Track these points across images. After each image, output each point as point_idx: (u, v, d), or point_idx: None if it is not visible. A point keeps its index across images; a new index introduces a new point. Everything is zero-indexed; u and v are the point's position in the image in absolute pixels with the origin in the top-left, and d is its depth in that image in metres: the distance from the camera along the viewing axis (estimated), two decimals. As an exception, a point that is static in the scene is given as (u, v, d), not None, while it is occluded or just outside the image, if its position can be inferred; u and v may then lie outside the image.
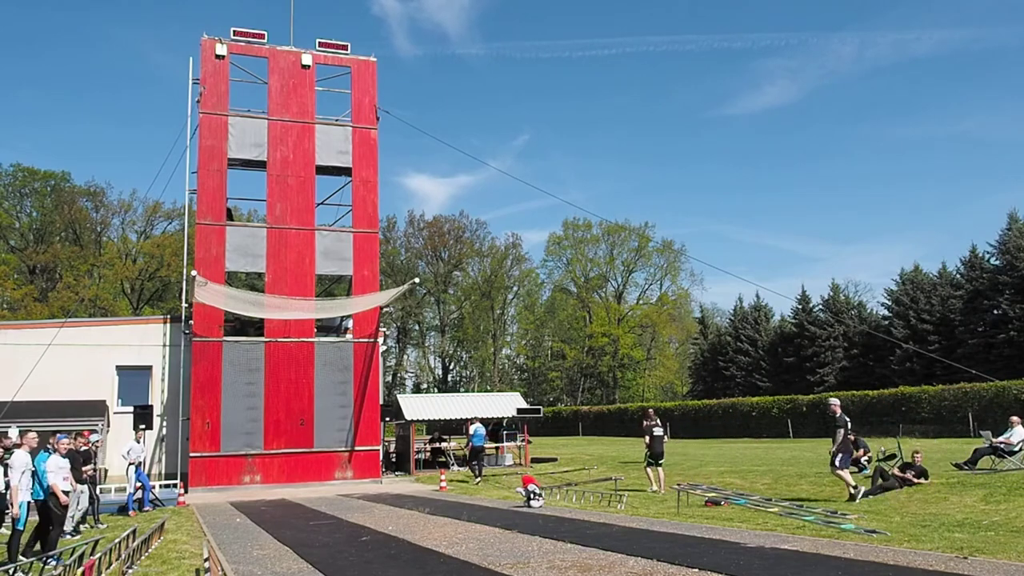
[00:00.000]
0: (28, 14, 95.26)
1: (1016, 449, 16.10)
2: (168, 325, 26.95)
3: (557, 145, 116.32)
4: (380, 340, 26.02)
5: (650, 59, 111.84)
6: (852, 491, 14.46)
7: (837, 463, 14.52)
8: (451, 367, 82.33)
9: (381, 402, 25.97)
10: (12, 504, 10.25)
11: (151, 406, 23.80)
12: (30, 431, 11.25)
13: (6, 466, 11.00)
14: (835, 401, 15.44)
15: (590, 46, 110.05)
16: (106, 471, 21.97)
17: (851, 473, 17.21)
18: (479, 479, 23.45)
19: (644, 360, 76.03)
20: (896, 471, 15.37)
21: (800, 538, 10.47)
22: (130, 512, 17.47)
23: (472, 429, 24.89)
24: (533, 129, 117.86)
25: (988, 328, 43.11)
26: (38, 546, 11.05)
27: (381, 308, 27.02)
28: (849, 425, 14.85)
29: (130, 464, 17.80)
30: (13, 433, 16.29)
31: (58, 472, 11.04)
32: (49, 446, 11.37)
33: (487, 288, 76.53)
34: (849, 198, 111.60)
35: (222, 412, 23.02)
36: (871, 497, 14.52)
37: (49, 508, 10.86)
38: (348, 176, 26.00)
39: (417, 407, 29.04)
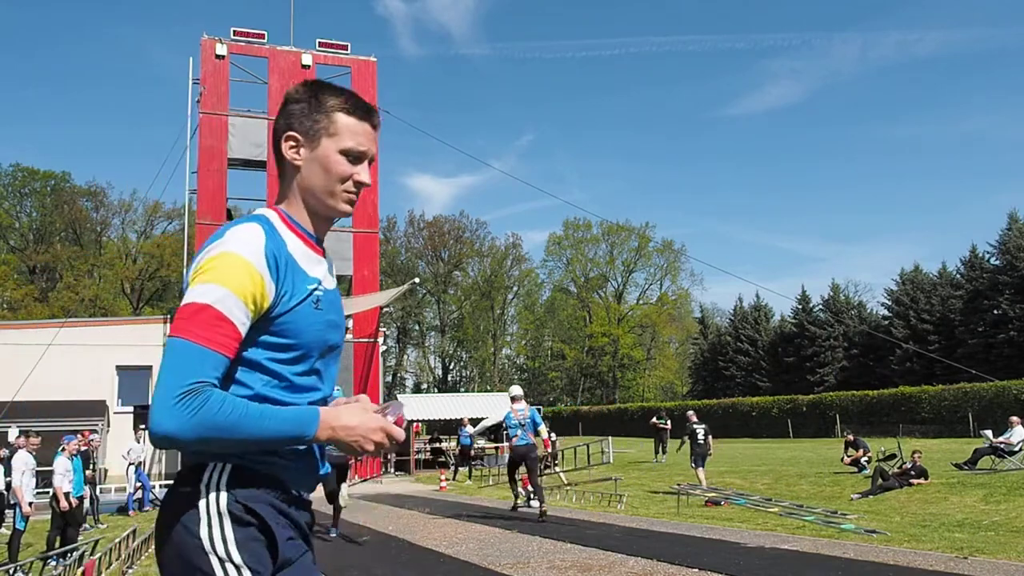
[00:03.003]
0: (28, 13, 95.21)
1: (1016, 449, 16.12)
2: (168, 325, 26.93)
3: (561, 145, 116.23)
4: (380, 340, 26.02)
5: (653, 59, 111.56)
6: (703, 488, 16.05)
7: (692, 464, 16.96)
8: (451, 367, 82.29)
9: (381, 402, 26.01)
10: (21, 503, 10.28)
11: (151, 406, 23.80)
12: (31, 432, 11.27)
13: (7, 466, 11.02)
14: (691, 412, 19.20)
15: (594, 46, 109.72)
16: (106, 471, 21.97)
17: (851, 473, 17.37)
18: (469, 480, 23.62)
19: (644, 360, 75.97)
20: (896, 471, 15.39)
21: (800, 538, 10.48)
22: (130, 512, 17.48)
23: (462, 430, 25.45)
24: (537, 129, 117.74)
25: (988, 328, 43.11)
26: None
27: (381, 308, 27.02)
28: (698, 433, 17.16)
29: (130, 464, 17.82)
30: (13, 433, 16.31)
31: (65, 475, 11.06)
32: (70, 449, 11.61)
33: (487, 288, 76.51)
34: (850, 198, 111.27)
35: (222, 412, 22.98)
36: (871, 497, 14.56)
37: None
38: (348, 176, 26.00)
39: (417, 407, 29.04)
